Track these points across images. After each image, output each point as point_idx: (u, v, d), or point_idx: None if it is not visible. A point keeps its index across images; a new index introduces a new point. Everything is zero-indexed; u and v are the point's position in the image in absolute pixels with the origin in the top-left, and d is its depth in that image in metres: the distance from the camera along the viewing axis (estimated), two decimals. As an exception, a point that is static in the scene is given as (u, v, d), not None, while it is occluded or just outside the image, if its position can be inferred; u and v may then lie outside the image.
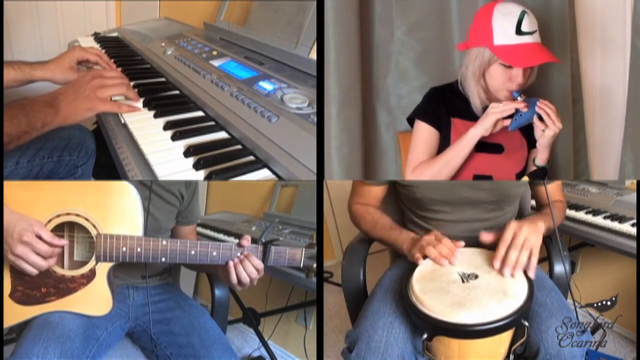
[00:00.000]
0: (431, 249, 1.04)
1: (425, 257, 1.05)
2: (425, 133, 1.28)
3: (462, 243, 1.07)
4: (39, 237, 0.97)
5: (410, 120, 1.33)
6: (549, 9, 1.41)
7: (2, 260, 1.01)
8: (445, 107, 1.28)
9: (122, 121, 1.22)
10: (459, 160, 1.23)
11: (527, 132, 1.26)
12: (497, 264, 1.00)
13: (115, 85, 1.24)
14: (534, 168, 1.26)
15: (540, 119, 1.18)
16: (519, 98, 1.20)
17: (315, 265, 1.13)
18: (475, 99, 1.25)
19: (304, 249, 1.12)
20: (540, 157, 1.24)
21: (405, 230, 1.16)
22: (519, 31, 1.16)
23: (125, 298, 1.23)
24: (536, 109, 1.17)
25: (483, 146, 1.25)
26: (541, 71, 1.42)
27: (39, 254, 0.97)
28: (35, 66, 1.41)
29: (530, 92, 1.23)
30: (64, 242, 1.01)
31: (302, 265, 1.12)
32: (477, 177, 1.26)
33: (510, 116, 1.19)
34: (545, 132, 1.18)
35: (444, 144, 1.28)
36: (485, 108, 1.23)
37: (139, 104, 1.31)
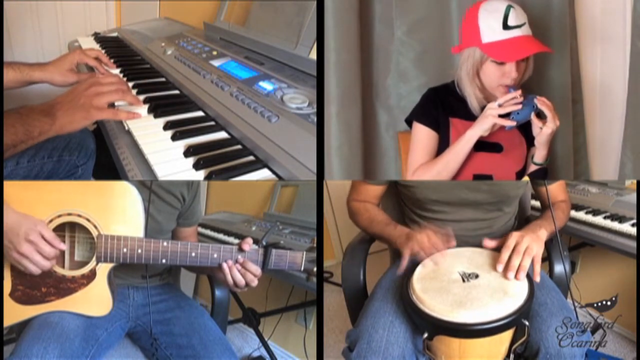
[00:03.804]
0: (422, 254, 1.06)
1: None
2: (423, 135, 1.28)
3: (454, 243, 1.07)
4: (43, 237, 0.97)
5: (409, 122, 1.33)
6: (549, 8, 1.41)
7: (2, 259, 1.01)
8: (443, 107, 1.28)
9: (122, 121, 1.22)
10: (459, 162, 1.23)
11: (526, 130, 1.25)
12: (500, 267, 1.00)
13: (111, 92, 1.19)
14: (533, 166, 1.26)
15: (538, 115, 1.18)
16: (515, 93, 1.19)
17: (315, 269, 1.13)
18: (472, 99, 1.25)
19: (304, 253, 1.11)
20: (539, 154, 1.24)
21: (400, 226, 1.15)
22: (506, 26, 1.16)
23: (126, 298, 1.23)
24: (538, 104, 1.17)
25: (482, 145, 1.24)
26: (541, 71, 1.43)
27: (42, 254, 0.98)
28: (34, 67, 1.41)
29: (530, 91, 1.23)
30: (64, 246, 1.02)
31: (302, 269, 1.12)
32: (477, 177, 1.26)
33: (508, 114, 1.19)
34: (543, 130, 1.18)
35: (443, 144, 1.27)
36: (483, 107, 1.22)
37: (142, 109, 1.29)
